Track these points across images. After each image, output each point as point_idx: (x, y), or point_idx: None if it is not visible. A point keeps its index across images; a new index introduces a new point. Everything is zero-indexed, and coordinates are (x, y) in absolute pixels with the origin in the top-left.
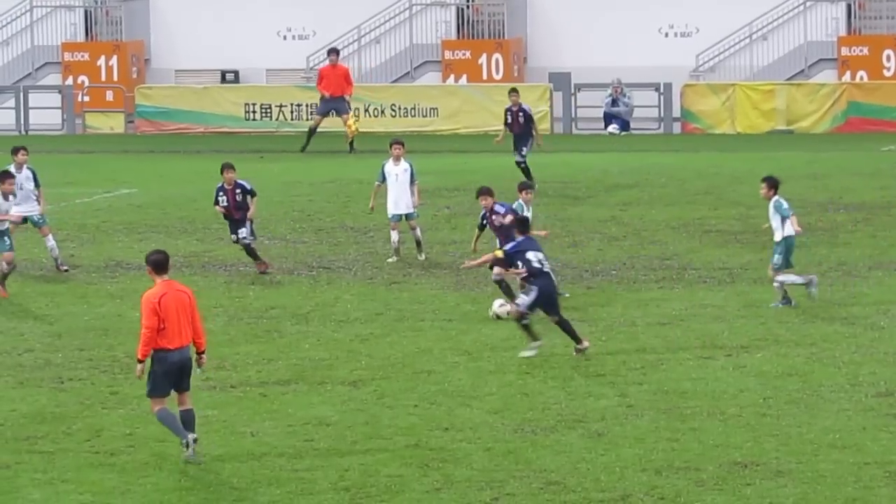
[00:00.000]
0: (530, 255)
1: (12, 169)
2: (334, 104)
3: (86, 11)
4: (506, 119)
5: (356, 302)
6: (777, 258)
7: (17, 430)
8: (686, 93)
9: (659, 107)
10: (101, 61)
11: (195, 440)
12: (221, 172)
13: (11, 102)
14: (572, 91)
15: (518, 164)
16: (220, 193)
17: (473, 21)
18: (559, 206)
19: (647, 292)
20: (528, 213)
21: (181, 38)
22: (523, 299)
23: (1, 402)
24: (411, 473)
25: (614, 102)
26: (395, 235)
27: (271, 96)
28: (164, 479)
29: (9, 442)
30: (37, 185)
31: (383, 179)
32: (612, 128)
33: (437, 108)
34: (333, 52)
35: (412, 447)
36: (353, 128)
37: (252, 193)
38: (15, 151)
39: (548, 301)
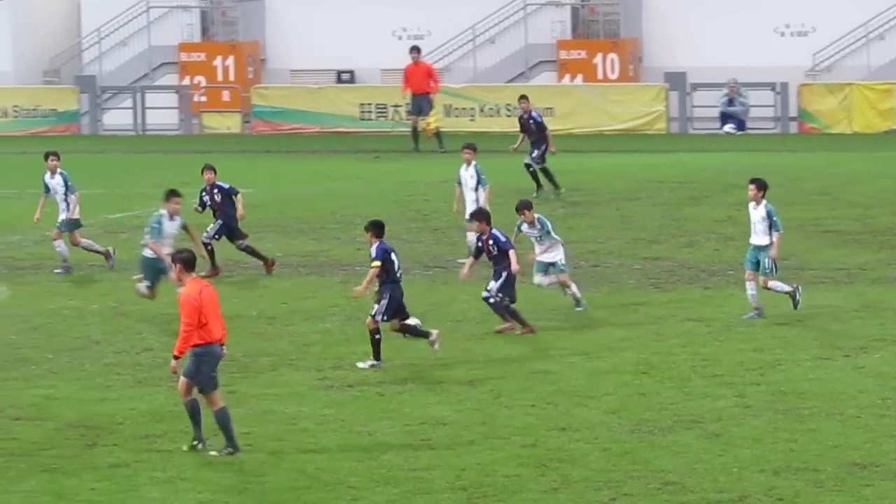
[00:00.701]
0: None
1: (47, 176)
2: (418, 102)
3: (202, 12)
4: (521, 126)
5: (472, 301)
6: (768, 262)
7: (136, 429)
8: (802, 92)
9: (775, 106)
10: (218, 61)
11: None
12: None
13: (129, 103)
14: (688, 91)
15: (527, 166)
16: (204, 194)
17: (588, 21)
18: (675, 207)
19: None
20: (528, 231)
21: (296, 38)
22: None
23: (120, 401)
24: (528, 473)
25: (730, 102)
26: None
27: (386, 96)
28: (282, 478)
29: (128, 440)
30: (69, 190)
31: (459, 183)
32: (728, 127)
33: (552, 108)
34: (415, 49)
35: (529, 447)
36: (432, 126)
37: (233, 192)
38: (46, 157)
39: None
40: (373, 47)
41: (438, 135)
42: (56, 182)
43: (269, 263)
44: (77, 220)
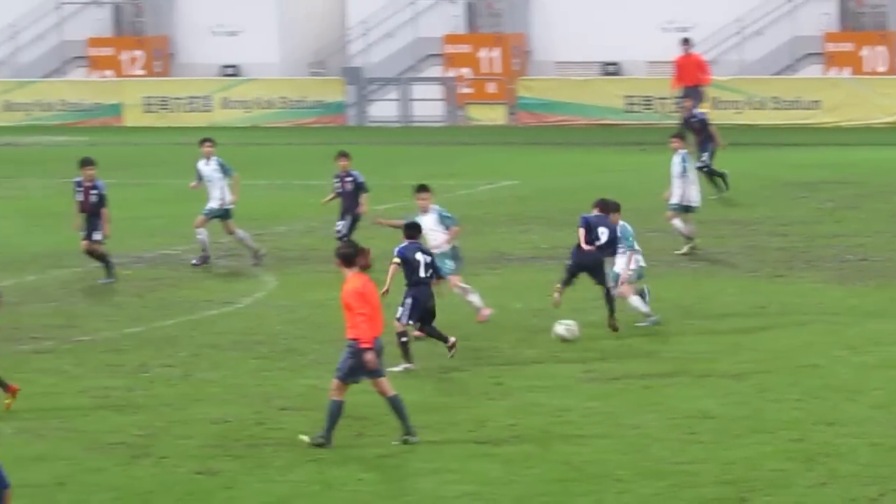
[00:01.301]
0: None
1: (201, 163)
2: (689, 94)
3: (468, 4)
4: (687, 126)
5: (738, 295)
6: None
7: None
8: None
9: None
10: (483, 53)
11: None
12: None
13: (395, 94)
14: None
15: (700, 168)
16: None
17: (856, 13)
18: None
19: None
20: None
21: (562, 30)
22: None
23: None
24: (795, 468)
25: None
26: (677, 223)
27: (652, 88)
28: (549, 471)
29: (396, 431)
30: (226, 175)
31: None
32: None
33: (819, 101)
34: (686, 41)
35: (796, 441)
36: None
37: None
38: (202, 143)
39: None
40: (639, 39)
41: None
42: (211, 168)
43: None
44: (229, 210)
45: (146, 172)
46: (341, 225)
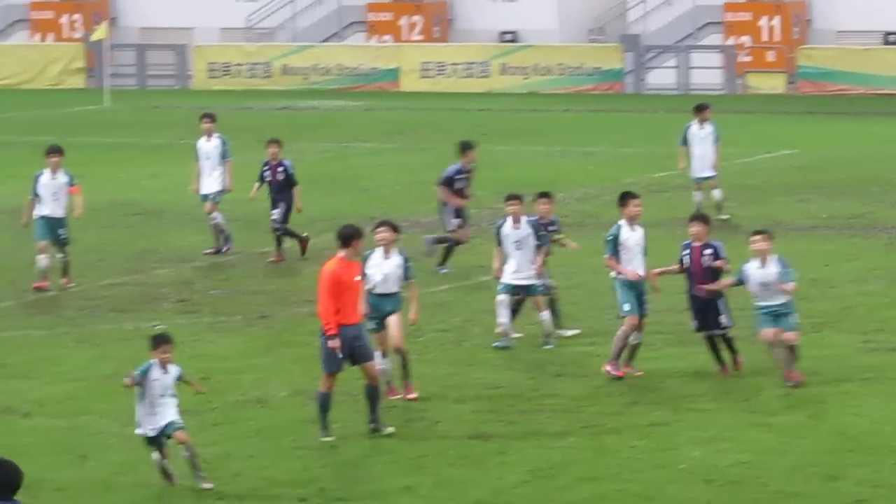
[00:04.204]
0: None
1: (201, 141)
2: None
3: None
4: None
5: None
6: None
7: (677, 388)
8: None
9: None
10: (763, 22)
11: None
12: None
13: (673, 62)
14: None
15: None
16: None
17: None
18: None
19: None
20: None
21: None
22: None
23: (661, 360)
24: None
25: None
26: (697, 196)
27: None
28: (823, 441)
29: (669, 399)
30: (224, 156)
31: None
32: None
33: None
34: None
35: None
36: None
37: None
38: (201, 119)
39: None
40: None
41: None
42: (212, 146)
43: (303, 241)
44: (223, 191)
45: (423, 138)
46: (276, 213)
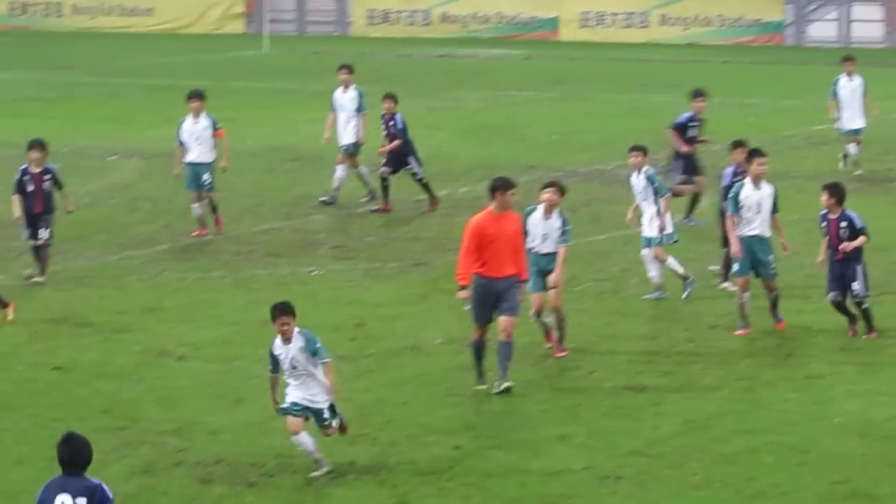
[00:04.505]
0: None
1: (338, 92)
2: None
3: None
4: None
5: None
6: None
7: (832, 342)
8: None
9: None
10: None
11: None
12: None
13: (834, 14)
14: None
15: None
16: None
17: None
18: None
19: None
20: None
21: None
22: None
23: (817, 314)
24: None
25: None
26: (851, 149)
27: None
28: None
29: (824, 352)
30: (361, 109)
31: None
32: None
33: None
34: None
35: None
36: None
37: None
38: (339, 70)
39: None
40: None
41: None
42: (348, 98)
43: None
44: (357, 144)
45: (582, 87)
46: (413, 165)
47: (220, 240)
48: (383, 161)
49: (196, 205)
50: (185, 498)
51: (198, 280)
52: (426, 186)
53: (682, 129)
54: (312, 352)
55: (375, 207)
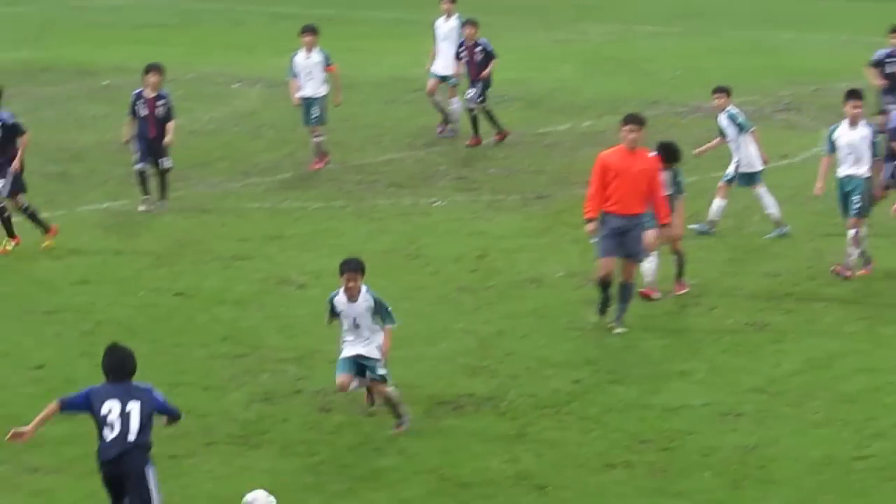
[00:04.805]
0: None
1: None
2: None
3: None
4: None
5: None
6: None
7: None
8: None
9: None
10: None
11: None
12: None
13: None
14: None
15: None
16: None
17: None
18: None
19: None
20: None
21: None
22: None
23: None
24: None
25: None
26: None
27: None
28: None
29: None
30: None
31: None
32: None
33: None
34: None
35: None
36: None
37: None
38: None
39: None
40: None
41: None
42: (449, 27)
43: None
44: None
45: (708, 23)
46: (471, 92)
47: (343, 169)
48: (470, 93)
49: (317, 139)
50: (304, 426)
51: (320, 209)
52: (476, 119)
53: (879, 65)
54: (382, 316)
55: (467, 142)
